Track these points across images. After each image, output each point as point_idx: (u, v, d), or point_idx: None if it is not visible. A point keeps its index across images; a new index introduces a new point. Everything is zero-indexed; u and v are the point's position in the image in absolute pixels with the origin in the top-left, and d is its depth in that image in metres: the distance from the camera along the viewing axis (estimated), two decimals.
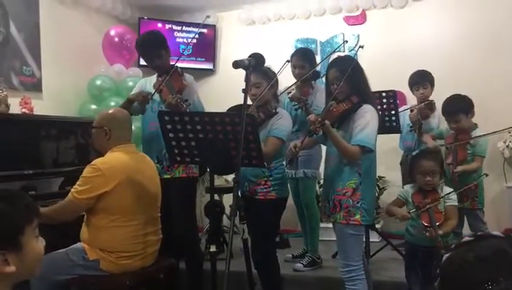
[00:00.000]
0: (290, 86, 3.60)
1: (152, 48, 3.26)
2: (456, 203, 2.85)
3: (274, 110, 2.91)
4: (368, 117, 2.53)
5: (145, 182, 2.69)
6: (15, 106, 3.77)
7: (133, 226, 2.59)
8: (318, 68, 3.93)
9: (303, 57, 3.75)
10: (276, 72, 3.04)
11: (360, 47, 3.13)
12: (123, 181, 2.53)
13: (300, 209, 3.91)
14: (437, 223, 2.68)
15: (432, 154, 2.95)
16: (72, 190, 2.53)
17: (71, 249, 2.61)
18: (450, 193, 2.82)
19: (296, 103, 3.45)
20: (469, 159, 3.42)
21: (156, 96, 3.21)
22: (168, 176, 3.19)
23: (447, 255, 0.92)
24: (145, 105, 3.16)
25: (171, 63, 3.31)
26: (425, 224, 2.71)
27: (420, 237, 2.78)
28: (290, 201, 3.55)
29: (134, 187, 2.59)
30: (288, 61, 3.45)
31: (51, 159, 3.67)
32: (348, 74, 2.54)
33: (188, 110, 3.03)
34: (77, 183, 2.54)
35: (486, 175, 3.32)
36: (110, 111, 2.81)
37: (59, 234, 2.82)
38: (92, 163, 2.56)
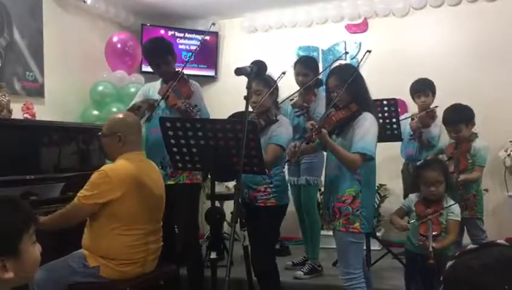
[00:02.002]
0: (293, 94, 3.61)
1: (159, 54, 3.26)
2: (459, 219, 2.80)
3: (274, 118, 2.92)
4: (367, 125, 2.54)
5: (152, 192, 2.67)
6: (17, 111, 3.78)
7: (136, 235, 2.57)
8: (320, 76, 3.95)
9: (306, 65, 3.77)
10: (276, 80, 3.05)
11: (368, 52, 3.09)
12: (130, 190, 2.51)
13: (302, 216, 3.90)
14: (433, 234, 2.67)
15: (436, 164, 2.92)
16: (79, 194, 2.51)
17: (71, 256, 2.59)
18: (452, 204, 2.79)
19: (298, 110, 3.46)
20: (469, 168, 3.42)
21: (161, 103, 3.20)
22: (172, 182, 3.18)
23: (451, 262, 0.92)
24: (152, 111, 3.12)
25: (177, 70, 3.31)
26: (421, 233, 2.71)
27: (419, 246, 2.76)
28: (291, 208, 3.54)
29: (140, 197, 2.57)
30: (283, 73, 3.39)
31: (53, 165, 3.68)
32: (348, 82, 2.55)
33: (197, 116, 3.03)
34: (84, 187, 2.51)
35: (486, 191, 3.30)
36: (120, 116, 2.76)
37: (60, 240, 2.82)
38: (101, 169, 2.53)
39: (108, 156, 2.74)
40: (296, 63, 3.86)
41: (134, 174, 2.57)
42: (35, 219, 1.34)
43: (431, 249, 2.58)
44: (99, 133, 2.72)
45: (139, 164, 2.65)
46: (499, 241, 0.93)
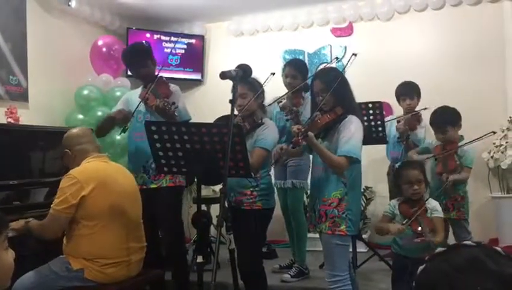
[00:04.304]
0: (281, 96, 3.61)
1: (137, 58, 3.29)
2: (442, 215, 2.85)
3: (260, 121, 2.92)
4: (353, 128, 2.55)
5: (122, 188, 2.69)
6: (1, 116, 3.74)
7: (114, 232, 2.58)
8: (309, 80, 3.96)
9: (295, 67, 3.77)
10: (262, 83, 3.06)
11: (353, 55, 3.10)
12: (99, 185, 2.54)
13: (289, 219, 3.91)
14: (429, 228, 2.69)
15: (415, 164, 2.97)
16: (52, 204, 2.53)
17: (54, 261, 2.58)
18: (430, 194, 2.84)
19: (287, 114, 3.44)
20: (457, 169, 3.45)
21: (142, 107, 3.21)
22: (155, 186, 3.19)
23: (422, 267, 0.93)
24: (127, 123, 3.14)
25: (157, 74, 3.33)
26: (415, 231, 2.71)
27: (409, 248, 2.77)
28: (278, 212, 3.55)
29: (111, 192, 2.59)
30: (272, 74, 3.44)
31: (37, 169, 3.64)
32: (333, 85, 2.57)
33: (175, 114, 3.04)
34: (56, 196, 2.55)
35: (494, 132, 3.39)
36: (66, 133, 2.83)
37: (42, 247, 2.79)
38: (67, 173, 2.58)
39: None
40: (285, 65, 3.87)
41: (100, 170, 2.64)
42: (6, 224, 1.33)
43: (434, 242, 2.59)
44: None
45: (103, 163, 2.72)
46: (465, 242, 0.95)
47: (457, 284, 0.84)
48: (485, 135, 3.44)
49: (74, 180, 2.51)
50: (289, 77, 3.73)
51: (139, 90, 3.38)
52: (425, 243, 2.64)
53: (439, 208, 2.84)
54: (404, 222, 2.77)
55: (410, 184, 2.81)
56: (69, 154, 2.71)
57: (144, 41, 5.13)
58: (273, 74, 3.44)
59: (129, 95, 3.49)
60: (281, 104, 3.54)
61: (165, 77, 3.34)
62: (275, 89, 3.66)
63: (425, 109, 3.70)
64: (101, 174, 2.61)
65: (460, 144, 3.49)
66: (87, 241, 2.53)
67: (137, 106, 3.17)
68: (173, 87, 3.34)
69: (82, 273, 2.51)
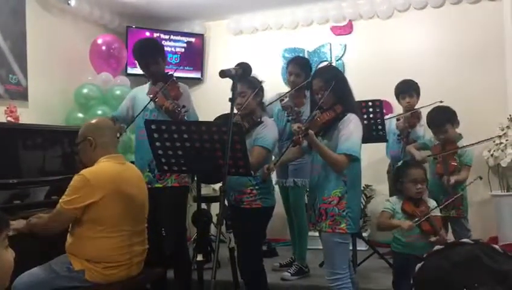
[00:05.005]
0: (284, 94, 3.59)
1: (150, 54, 3.25)
2: (439, 214, 2.88)
3: (259, 119, 2.92)
4: (352, 126, 2.56)
5: (133, 194, 2.65)
6: (0, 115, 3.74)
7: (119, 237, 2.55)
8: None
9: (300, 65, 3.75)
10: (261, 82, 3.05)
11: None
12: (110, 192, 2.49)
13: (290, 217, 3.91)
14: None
15: (419, 163, 3.02)
16: (60, 200, 2.49)
17: (55, 260, 2.56)
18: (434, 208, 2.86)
19: (289, 114, 3.42)
20: (457, 169, 3.45)
21: (150, 105, 3.18)
22: (160, 185, 3.16)
23: (420, 264, 0.93)
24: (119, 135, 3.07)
25: (167, 72, 3.31)
26: (425, 230, 2.73)
27: (415, 246, 2.77)
28: (278, 210, 3.55)
29: (122, 198, 2.55)
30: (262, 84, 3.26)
31: (37, 168, 3.63)
32: (332, 84, 2.57)
33: (185, 117, 3.02)
34: (65, 193, 2.50)
35: (481, 178, 3.36)
36: (91, 121, 2.78)
37: (44, 246, 2.79)
38: (80, 172, 2.51)
39: (85, 163, 2.67)
40: (288, 63, 3.85)
41: (113, 176, 2.55)
42: (7, 223, 1.32)
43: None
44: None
45: (118, 166, 2.63)
46: (463, 239, 0.95)
47: (454, 280, 0.84)
48: (489, 138, 3.44)
49: (86, 182, 2.44)
50: (293, 75, 3.70)
51: (146, 87, 3.34)
52: (444, 240, 2.65)
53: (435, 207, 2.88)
54: (415, 221, 2.78)
55: (415, 183, 2.82)
56: (91, 142, 2.59)
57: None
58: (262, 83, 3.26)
59: (136, 92, 3.43)
60: (283, 102, 3.52)
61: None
62: (275, 87, 3.66)
63: (441, 102, 3.64)
64: (114, 180, 2.53)
65: (459, 143, 3.48)
66: (92, 243, 2.50)
67: (145, 106, 3.13)
68: (182, 87, 3.29)
69: (83, 274, 2.49)
